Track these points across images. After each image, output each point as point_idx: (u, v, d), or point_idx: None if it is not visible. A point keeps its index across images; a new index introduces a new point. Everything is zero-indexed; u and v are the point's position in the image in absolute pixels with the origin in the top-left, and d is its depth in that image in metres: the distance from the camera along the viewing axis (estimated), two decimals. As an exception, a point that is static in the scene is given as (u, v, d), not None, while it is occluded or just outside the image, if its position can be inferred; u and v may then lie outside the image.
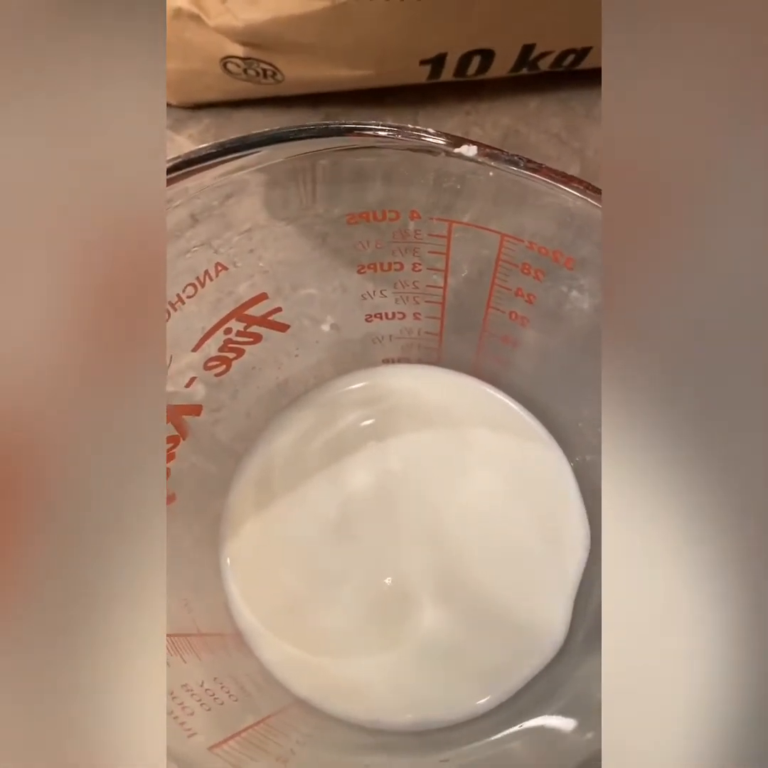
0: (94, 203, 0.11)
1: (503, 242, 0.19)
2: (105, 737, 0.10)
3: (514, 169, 0.16)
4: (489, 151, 0.16)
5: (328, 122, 0.16)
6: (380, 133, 0.16)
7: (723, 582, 0.11)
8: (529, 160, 0.16)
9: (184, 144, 0.34)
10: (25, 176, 0.11)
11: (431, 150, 0.17)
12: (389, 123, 0.16)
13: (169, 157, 0.16)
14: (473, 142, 0.16)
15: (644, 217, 0.12)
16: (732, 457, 0.11)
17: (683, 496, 0.11)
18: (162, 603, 0.10)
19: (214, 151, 0.16)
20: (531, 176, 0.16)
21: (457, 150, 0.16)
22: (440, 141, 0.16)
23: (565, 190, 0.16)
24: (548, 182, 0.16)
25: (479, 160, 0.16)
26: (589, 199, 0.16)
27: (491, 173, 0.17)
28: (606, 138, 0.12)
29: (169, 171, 0.16)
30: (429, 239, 0.19)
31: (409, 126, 0.17)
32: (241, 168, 0.17)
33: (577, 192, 0.16)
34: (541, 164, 0.16)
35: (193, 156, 0.16)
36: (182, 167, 0.16)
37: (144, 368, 0.11)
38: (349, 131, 0.16)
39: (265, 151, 0.16)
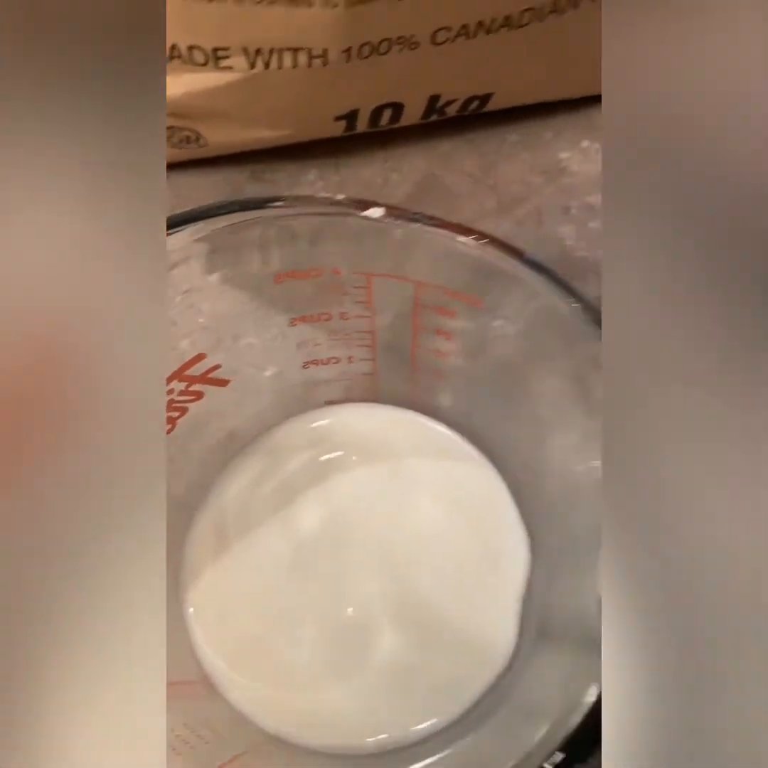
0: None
1: (419, 289, 0.20)
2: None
3: (418, 225, 0.18)
4: (392, 212, 0.18)
5: (245, 198, 0.18)
6: (291, 205, 0.18)
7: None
8: (430, 217, 0.18)
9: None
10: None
11: (343, 214, 0.18)
12: (301, 194, 0.18)
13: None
14: (379, 205, 0.18)
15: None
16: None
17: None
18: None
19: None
20: (434, 231, 0.18)
21: (364, 213, 0.18)
22: (350, 207, 0.18)
23: (462, 241, 0.18)
24: (449, 234, 0.18)
25: (385, 220, 0.18)
26: (491, 247, 0.18)
27: (400, 230, 0.19)
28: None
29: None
30: (353, 291, 0.21)
31: (322, 194, 0.18)
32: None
33: (475, 241, 0.18)
34: (441, 219, 0.18)
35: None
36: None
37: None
38: (264, 203, 0.18)
39: (197, 225, 0.18)
